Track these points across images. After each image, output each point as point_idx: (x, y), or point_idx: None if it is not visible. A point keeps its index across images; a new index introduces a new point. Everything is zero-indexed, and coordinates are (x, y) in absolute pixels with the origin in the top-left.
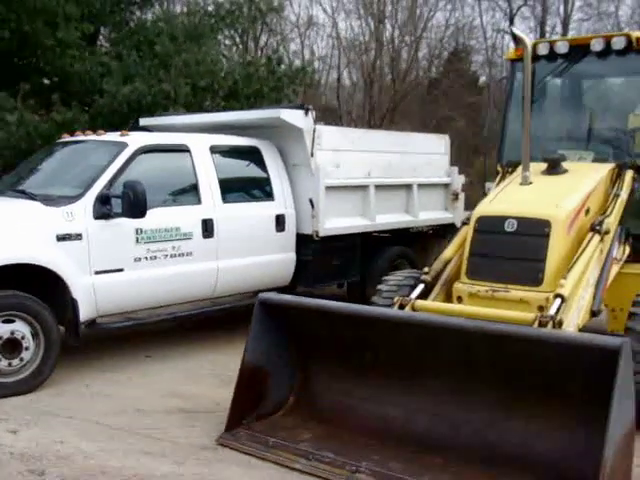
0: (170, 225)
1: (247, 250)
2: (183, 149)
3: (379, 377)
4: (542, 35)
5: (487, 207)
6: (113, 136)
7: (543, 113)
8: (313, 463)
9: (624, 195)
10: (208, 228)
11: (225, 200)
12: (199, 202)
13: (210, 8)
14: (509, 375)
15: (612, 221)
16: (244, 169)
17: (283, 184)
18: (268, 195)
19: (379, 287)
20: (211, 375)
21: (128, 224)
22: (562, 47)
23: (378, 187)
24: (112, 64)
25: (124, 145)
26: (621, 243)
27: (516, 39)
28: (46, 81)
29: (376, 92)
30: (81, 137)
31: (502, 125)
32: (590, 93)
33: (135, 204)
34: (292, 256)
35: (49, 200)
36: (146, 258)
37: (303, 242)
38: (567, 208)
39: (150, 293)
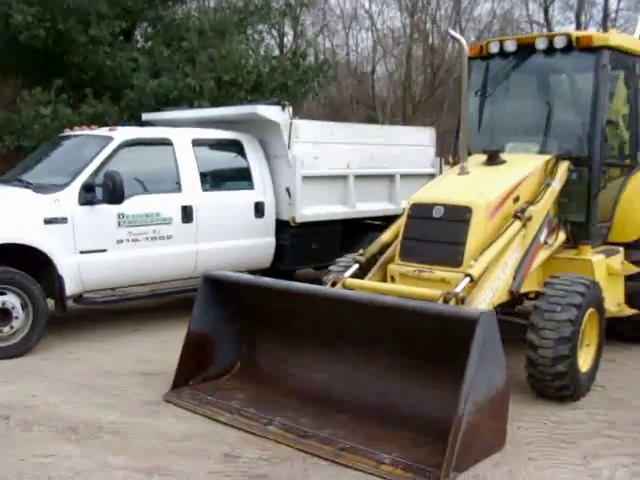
0: (150, 211)
1: (226, 234)
2: (166, 142)
3: (307, 345)
4: (578, 26)
5: (420, 195)
6: (103, 131)
7: (496, 107)
8: (235, 416)
9: (556, 185)
10: (187, 214)
11: (205, 188)
12: (179, 190)
13: (240, 4)
14: (406, 344)
15: (539, 209)
16: (225, 160)
17: (263, 174)
18: (248, 184)
19: (329, 268)
20: None
21: (111, 209)
22: (510, 46)
23: (358, 177)
24: (141, 59)
25: (110, 139)
26: (553, 229)
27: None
28: (83, 76)
29: (415, 84)
30: (78, 132)
31: (458, 118)
32: (539, 88)
33: (113, 192)
34: (271, 240)
35: (40, 188)
36: (128, 240)
37: (282, 228)
38: (490, 196)
39: (132, 272)
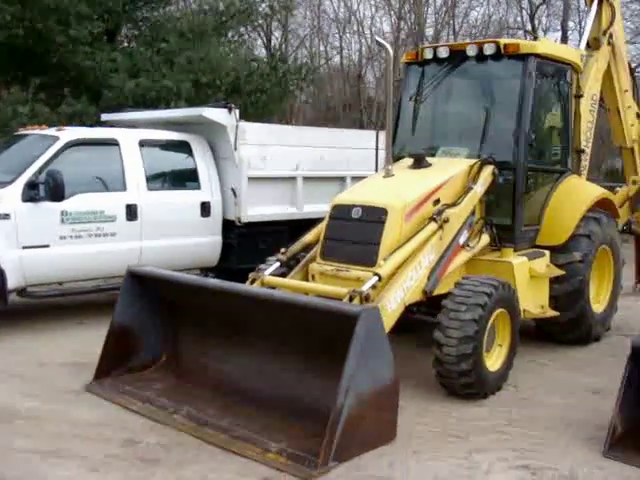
0: (94, 208)
1: (171, 232)
2: (113, 142)
3: (222, 339)
4: (564, 34)
5: (343, 196)
6: (51, 131)
7: (430, 111)
8: (146, 406)
9: (478, 188)
10: (132, 212)
11: (151, 188)
12: (124, 189)
13: (221, 7)
14: (306, 339)
15: (457, 211)
16: (173, 161)
17: (210, 174)
18: (195, 184)
19: (260, 266)
20: None
21: (54, 207)
22: (443, 52)
23: (307, 178)
24: (120, 59)
25: (56, 138)
26: (476, 232)
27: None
28: (62, 75)
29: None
30: (30, 131)
31: (395, 122)
32: (471, 94)
33: (55, 190)
34: (218, 239)
35: None
36: (71, 236)
37: (229, 227)
38: (407, 198)
39: (75, 267)
